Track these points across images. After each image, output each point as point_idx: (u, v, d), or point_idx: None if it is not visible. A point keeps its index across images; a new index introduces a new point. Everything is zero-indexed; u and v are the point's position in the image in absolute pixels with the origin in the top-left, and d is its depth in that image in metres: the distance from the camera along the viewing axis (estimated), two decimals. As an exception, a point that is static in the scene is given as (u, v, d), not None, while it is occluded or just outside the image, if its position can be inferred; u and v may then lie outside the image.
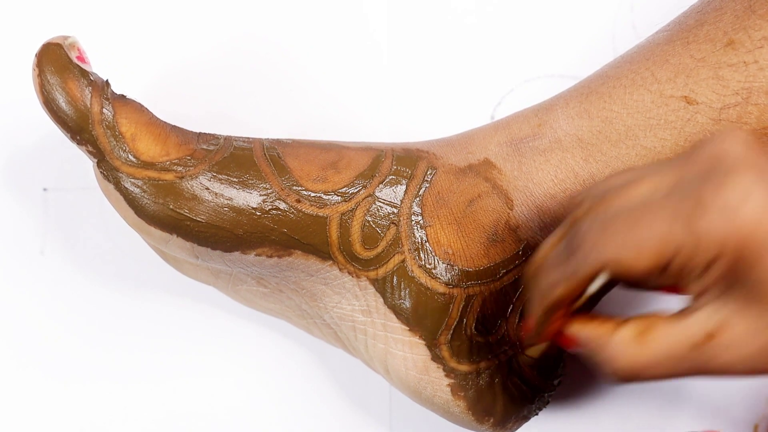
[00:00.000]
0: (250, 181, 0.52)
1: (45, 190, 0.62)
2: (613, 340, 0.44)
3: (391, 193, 0.54)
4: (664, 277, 0.43)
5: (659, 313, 0.44)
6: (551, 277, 0.45)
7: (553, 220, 0.54)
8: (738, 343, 0.41)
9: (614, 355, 0.43)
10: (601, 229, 0.43)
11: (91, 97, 0.50)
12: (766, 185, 0.40)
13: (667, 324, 0.43)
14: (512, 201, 0.55)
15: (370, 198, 0.54)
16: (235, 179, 0.52)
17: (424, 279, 0.54)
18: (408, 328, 0.54)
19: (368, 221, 0.53)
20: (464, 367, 0.54)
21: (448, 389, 0.54)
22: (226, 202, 0.52)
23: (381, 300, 0.54)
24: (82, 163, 0.62)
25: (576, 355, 0.47)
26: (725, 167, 0.41)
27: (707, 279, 0.41)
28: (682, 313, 0.43)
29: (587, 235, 0.43)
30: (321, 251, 0.53)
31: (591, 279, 0.43)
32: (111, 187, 0.51)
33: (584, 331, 0.45)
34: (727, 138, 0.41)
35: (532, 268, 0.47)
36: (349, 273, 0.54)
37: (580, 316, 0.46)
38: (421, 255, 0.54)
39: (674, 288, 0.43)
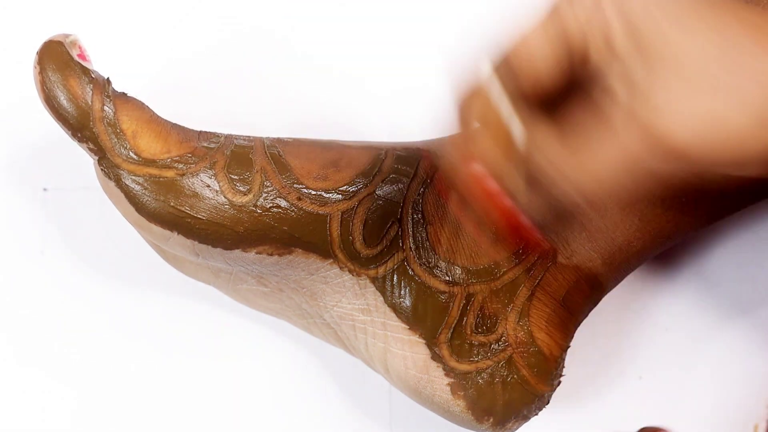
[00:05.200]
0: (251, 179, 0.52)
1: (45, 190, 0.62)
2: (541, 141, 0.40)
3: (393, 192, 0.54)
4: (580, 73, 0.41)
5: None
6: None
7: (553, 219, 0.54)
8: (671, 110, 0.39)
9: (550, 157, 0.40)
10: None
11: (92, 94, 0.50)
12: None
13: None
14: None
15: (371, 196, 0.54)
16: (236, 177, 0.52)
17: (424, 277, 0.54)
18: (408, 327, 0.54)
19: (369, 219, 0.53)
20: (464, 367, 0.54)
21: (448, 388, 0.54)
22: (227, 199, 0.52)
23: (381, 298, 0.54)
24: (82, 163, 0.62)
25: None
26: None
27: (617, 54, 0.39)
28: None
29: None
30: (321, 249, 0.53)
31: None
32: (112, 184, 0.51)
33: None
34: None
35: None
36: (350, 271, 0.54)
37: None
38: (422, 253, 0.54)
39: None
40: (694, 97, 0.39)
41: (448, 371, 0.54)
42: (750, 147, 0.40)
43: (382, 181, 0.54)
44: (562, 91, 0.42)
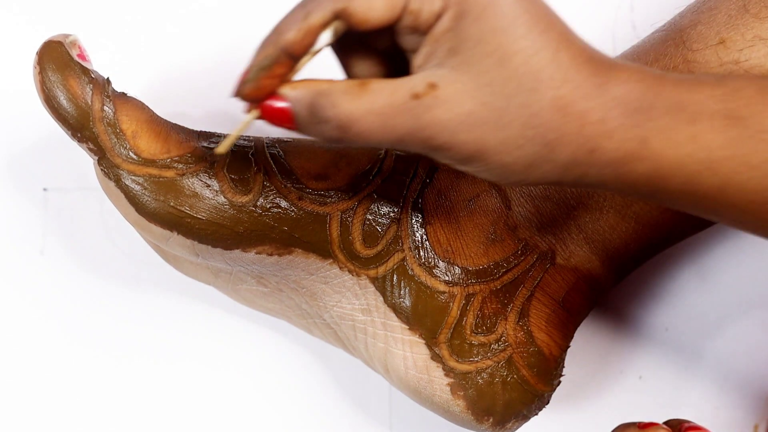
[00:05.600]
0: (251, 179, 0.52)
1: (45, 190, 0.62)
2: (332, 88, 0.43)
3: (392, 192, 0.54)
4: (397, 34, 0.43)
5: None
6: (283, 23, 0.43)
7: (551, 221, 0.54)
8: (452, 100, 0.42)
9: (333, 101, 0.42)
10: None
11: (92, 94, 0.50)
12: None
13: (388, 79, 0.43)
14: (510, 201, 0.55)
15: (370, 196, 0.54)
16: (235, 177, 0.52)
17: (424, 277, 0.54)
18: (408, 327, 0.54)
19: (369, 219, 0.53)
20: (464, 367, 0.54)
21: (448, 388, 0.54)
22: (226, 199, 0.52)
23: (381, 299, 0.54)
24: (82, 163, 0.62)
25: (285, 126, 0.44)
26: None
27: (434, 33, 0.42)
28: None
29: None
30: (321, 249, 0.53)
31: (323, 27, 0.43)
32: (112, 184, 0.51)
33: (299, 88, 0.43)
34: None
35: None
36: (350, 271, 0.54)
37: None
38: (421, 253, 0.54)
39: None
40: (477, 116, 0.42)
41: (448, 371, 0.54)
42: (536, 177, 0.43)
43: (382, 181, 0.54)
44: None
